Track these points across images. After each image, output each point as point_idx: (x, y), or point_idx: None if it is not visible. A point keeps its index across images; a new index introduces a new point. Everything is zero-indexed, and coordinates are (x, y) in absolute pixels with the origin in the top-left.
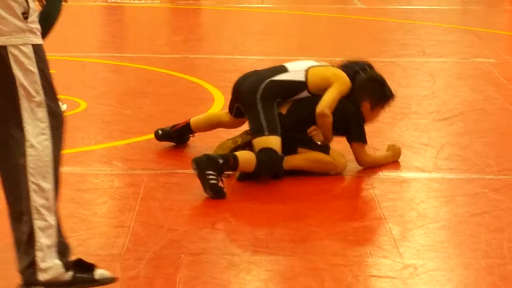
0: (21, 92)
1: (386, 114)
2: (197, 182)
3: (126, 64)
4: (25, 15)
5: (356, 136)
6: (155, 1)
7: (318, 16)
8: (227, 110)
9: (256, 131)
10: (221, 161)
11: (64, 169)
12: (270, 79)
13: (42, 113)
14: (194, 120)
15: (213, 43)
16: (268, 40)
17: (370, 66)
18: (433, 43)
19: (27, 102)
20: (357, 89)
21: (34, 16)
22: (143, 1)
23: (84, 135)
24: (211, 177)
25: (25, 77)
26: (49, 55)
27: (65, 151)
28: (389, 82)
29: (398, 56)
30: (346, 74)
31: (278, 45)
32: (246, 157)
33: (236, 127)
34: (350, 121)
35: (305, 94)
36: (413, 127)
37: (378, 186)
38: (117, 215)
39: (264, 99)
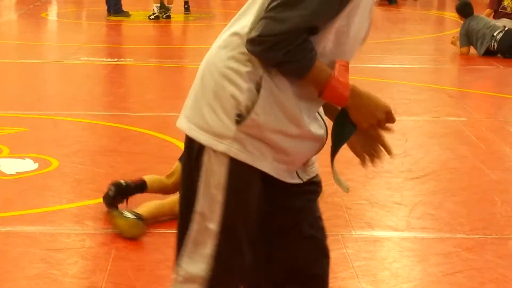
0: (196, 207)
1: (359, 173)
2: (170, 241)
3: (98, 122)
4: (240, 117)
5: None
6: (127, 59)
7: None
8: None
9: None
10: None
11: (34, 229)
12: None
13: (208, 249)
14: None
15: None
16: None
17: None
18: (405, 102)
19: (196, 221)
20: None
21: (252, 129)
22: (115, 59)
23: (55, 194)
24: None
25: (205, 193)
26: (21, 113)
27: (36, 210)
28: None
29: None
30: None
31: None
32: None
33: None
34: None
35: None
36: (385, 185)
37: (351, 245)
38: (89, 275)
39: None
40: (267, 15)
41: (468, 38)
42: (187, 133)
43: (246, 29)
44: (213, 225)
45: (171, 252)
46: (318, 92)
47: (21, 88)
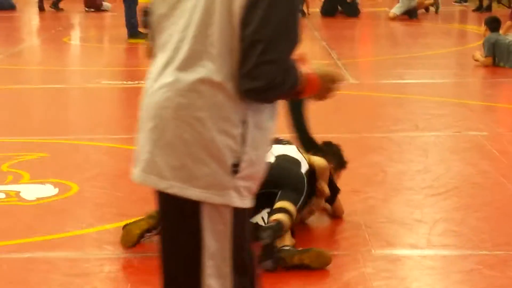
0: (207, 261)
1: (379, 190)
2: None
3: (118, 146)
4: (236, 167)
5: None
6: None
7: None
8: None
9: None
10: None
11: (54, 254)
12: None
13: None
14: None
15: None
16: None
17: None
18: (426, 117)
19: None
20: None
21: (246, 170)
22: (136, 82)
23: (75, 219)
24: None
25: (215, 247)
26: (41, 139)
27: (55, 236)
28: (382, 158)
29: (391, 131)
30: None
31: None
32: None
33: None
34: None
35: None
36: (406, 203)
37: (370, 264)
38: None
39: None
40: (263, 60)
41: (494, 50)
42: (171, 192)
43: (218, 76)
44: (228, 268)
45: None
46: (299, 94)
47: (42, 113)
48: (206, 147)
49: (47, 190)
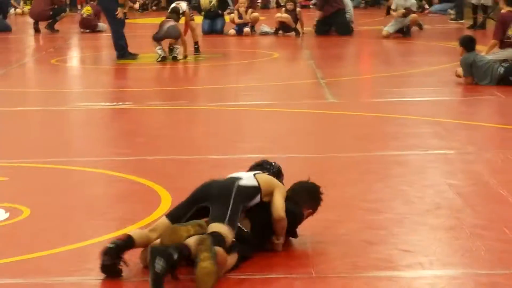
0: None
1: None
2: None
3: (81, 169)
4: None
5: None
6: (126, 103)
7: (287, 112)
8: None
9: (217, 218)
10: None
11: None
12: (237, 183)
13: None
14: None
15: (176, 143)
16: (238, 141)
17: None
18: (398, 135)
19: None
20: (299, 195)
21: None
22: (114, 103)
23: (19, 244)
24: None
25: None
26: (3, 162)
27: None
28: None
29: (367, 151)
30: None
31: (248, 144)
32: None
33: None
34: (296, 220)
35: (256, 200)
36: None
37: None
38: None
39: (236, 199)
40: None
41: (471, 70)
42: None
43: None
44: None
45: None
46: None
47: (6, 136)
48: None
49: None
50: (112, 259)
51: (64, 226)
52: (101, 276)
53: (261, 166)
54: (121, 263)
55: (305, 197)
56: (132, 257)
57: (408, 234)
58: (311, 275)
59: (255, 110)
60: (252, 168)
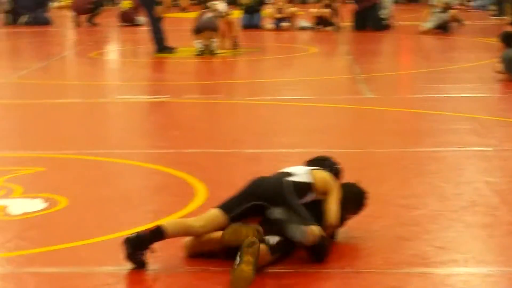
0: None
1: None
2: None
3: (118, 161)
4: None
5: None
6: (163, 96)
7: (324, 107)
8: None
9: (294, 221)
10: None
11: (26, 270)
12: (286, 179)
13: None
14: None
15: (212, 137)
16: (274, 135)
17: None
18: (434, 132)
19: None
20: (347, 199)
21: None
22: (151, 96)
23: (57, 234)
24: None
25: None
26: (40, 153)
27: (33, 251)
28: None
29: (405, 147)
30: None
31: (285, 138)
32: None
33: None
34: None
35: (309, 197)
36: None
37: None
38: None
39: (290, 197)
40: None
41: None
42: None
43: None
44: None
45: None
46: None
47: (45, 127)
48: None
49: (35, 205)
50: (133, 249)
51: (101, 216)
52: (138, 266)
53: (322, 162)
54: (146, 254)
55: (352, 202)
56: (166, 248)
57: (442, 231)
58: (345, 270)
59: (292, 104)
60: (311, 162)
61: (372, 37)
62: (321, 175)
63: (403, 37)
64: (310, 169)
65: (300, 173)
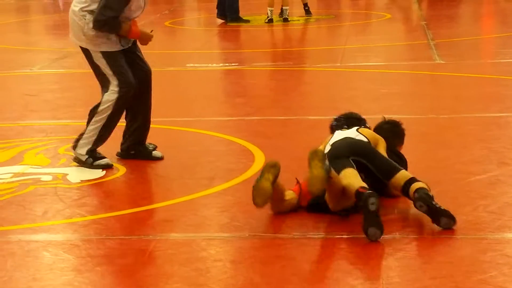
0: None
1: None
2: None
3: (178, 128)
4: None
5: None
6: (232, 64)
7: (392, 73)
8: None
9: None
10: None
11: (65, 236)
12: (358, 139)
13: None
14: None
15: (274, 105)
16: (338, 101)
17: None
18: (503, 97)
19: None
20: (388, 139)
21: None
22: (220, 65)
23: (110, 202)
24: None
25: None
26: None
27: (81, 219)
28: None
29: (471, 112)
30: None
31: (349, 104)
32: None
33: None
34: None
35: None
36: None
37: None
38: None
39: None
40: (99, 12)
41: None
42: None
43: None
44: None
45: None
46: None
47: None
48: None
49: (94, 173)
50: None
51: (157, 185)
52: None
53: (358, 121)
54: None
55: (393, 138)
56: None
57: (499, 196)
58: (396, 235)
59: (361, 71)
60: (349, 121)
61: (450, 1)
62: (368, 132)
63: (482, 2)
64: (356, 129)
65: (354, 135)
